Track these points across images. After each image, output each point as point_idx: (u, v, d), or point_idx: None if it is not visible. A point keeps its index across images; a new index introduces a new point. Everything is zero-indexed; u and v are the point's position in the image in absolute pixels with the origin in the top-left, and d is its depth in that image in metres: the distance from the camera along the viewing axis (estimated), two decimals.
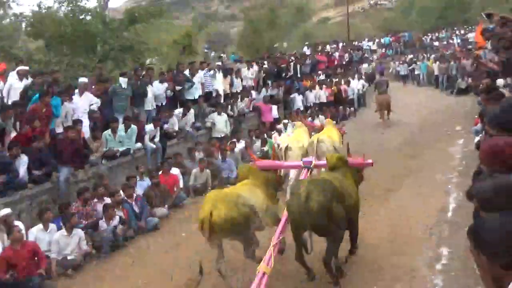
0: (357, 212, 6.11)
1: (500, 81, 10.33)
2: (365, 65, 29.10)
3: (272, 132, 14.30)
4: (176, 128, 12.62)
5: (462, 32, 35.88)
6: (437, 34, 37.60)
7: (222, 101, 14.75)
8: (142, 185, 9.79)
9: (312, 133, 10.60)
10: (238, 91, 16.15)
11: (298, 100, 18.06)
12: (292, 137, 9.84)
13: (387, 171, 10.34)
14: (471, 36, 31.43)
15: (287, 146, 9.19)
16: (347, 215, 5.53)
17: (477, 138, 10.22)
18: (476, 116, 11.24)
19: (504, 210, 2.05)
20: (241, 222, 5.44)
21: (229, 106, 14.77)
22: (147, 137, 11.34)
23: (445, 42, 34.80)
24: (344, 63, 26.67)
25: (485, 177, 2.71)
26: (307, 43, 32.37)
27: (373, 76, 27.94)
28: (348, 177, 6.11)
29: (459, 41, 33.73)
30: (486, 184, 2.40)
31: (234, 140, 13.14)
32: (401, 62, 29.63)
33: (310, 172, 6.61)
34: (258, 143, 13.38)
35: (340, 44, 31.77)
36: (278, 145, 9.43)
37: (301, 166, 6.79)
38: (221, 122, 13.68)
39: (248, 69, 17.39)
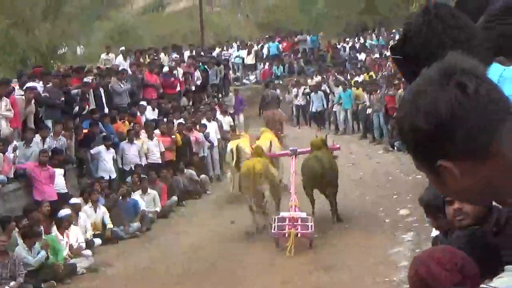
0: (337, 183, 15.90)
1: None
2: (230, 95, 29.90)
3: (50, 233, 14.08)
4: None
5: None
6: (361, 40, 39.93)
7: None
8: None
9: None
10: None
11: (106, 159, 18.19)
12: (240, 141, 19.48)
13: None
14: None
15: (237, 145, 18.57)
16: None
17: (435, 232, 10.76)
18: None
19: None
20: (274, 178, 15.86)
21: None
22: None
23: (376, 55, 37.04)
24: (194, 88, 27.39)
25: None
26: (122, 48, 32.70)
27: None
28: (330, 155, 16.20)
29: None
30: None
31: None
32: (305, 89, 30.94)
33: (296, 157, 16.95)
34: (25, 252, 13.04)
35: (187, 53, 32.51)
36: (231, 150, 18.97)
37: (289, 153, 17.09)
38: None
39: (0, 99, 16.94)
